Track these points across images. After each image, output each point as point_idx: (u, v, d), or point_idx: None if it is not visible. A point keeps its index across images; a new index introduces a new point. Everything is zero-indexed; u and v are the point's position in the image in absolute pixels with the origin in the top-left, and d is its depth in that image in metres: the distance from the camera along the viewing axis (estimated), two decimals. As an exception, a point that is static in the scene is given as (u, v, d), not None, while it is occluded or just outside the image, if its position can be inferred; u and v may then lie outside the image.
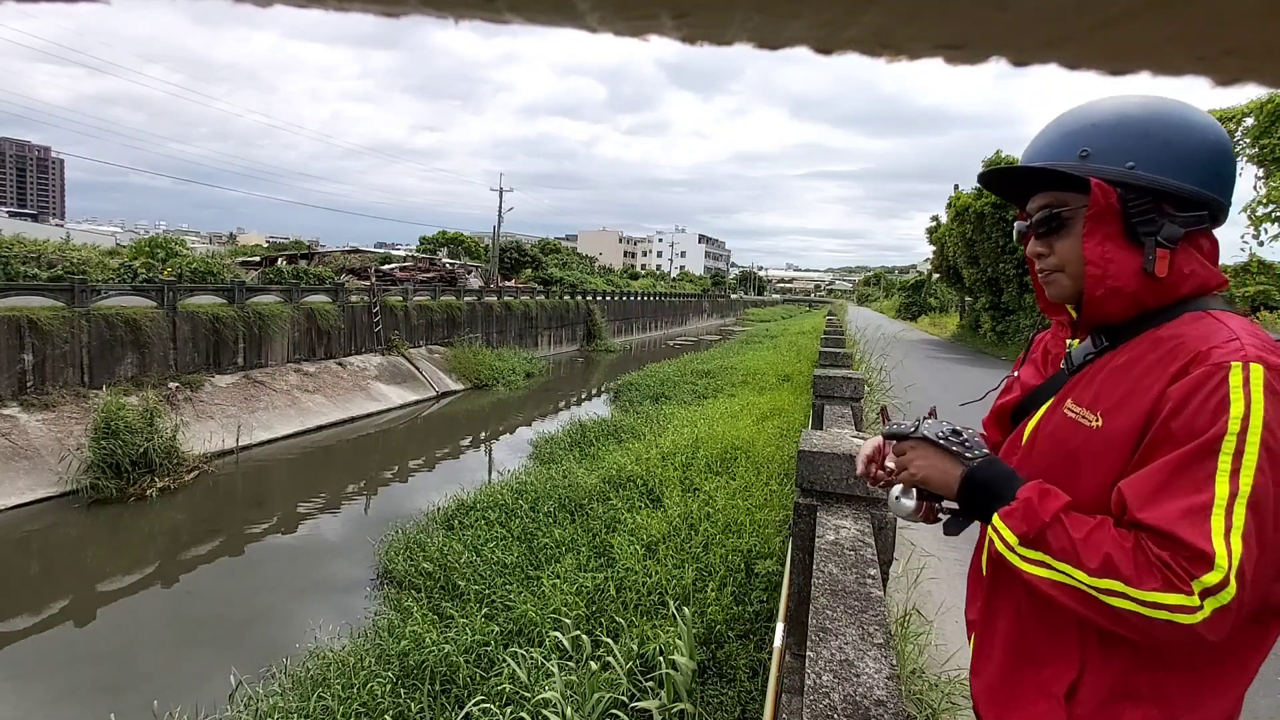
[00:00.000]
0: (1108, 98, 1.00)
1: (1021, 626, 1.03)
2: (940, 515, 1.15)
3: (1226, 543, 0.79)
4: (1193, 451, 0.84)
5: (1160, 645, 0.86)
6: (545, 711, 3.73)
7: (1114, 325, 1.01)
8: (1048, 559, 0.89)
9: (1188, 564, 0.80)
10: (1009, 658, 1.04)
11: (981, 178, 1.15)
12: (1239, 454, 0.81)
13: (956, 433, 1.08)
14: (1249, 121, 11.90)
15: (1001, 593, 1.08)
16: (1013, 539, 0.92)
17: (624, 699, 3.80)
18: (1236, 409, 0.82)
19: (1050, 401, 1.07)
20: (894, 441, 1.15)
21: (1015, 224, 1.12)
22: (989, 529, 0.97)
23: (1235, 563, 0.78)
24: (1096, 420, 0.96)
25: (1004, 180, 1.12)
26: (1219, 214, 0.96)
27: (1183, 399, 0.87)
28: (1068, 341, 1.12)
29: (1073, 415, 1.00)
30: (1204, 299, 0.96)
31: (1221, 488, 0.81)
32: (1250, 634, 0.89)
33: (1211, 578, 0.79)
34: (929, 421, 1.11)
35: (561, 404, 18.71)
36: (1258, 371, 0.84)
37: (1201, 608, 0.79)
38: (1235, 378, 0.84)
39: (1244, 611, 0.80)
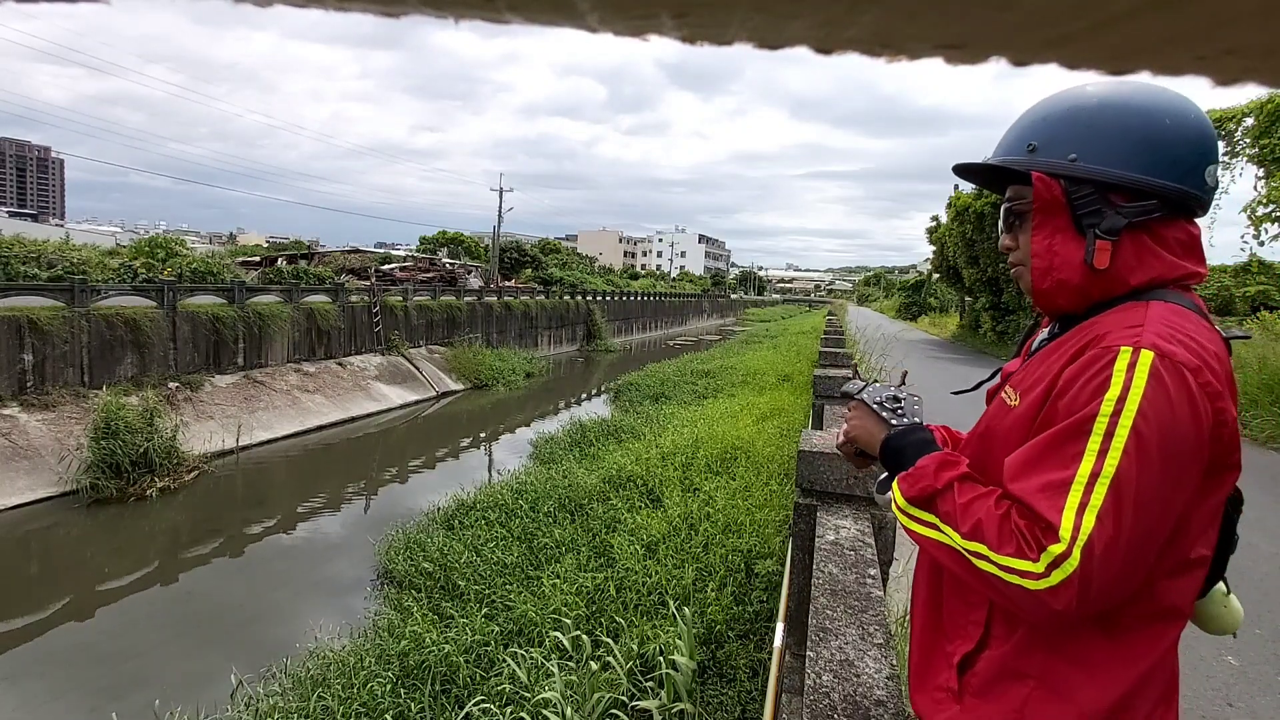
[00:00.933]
0: (1073, 87, 0.99)
1: (938, 601, 1.07)
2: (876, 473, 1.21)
3: (1078, 517, 0.81)
4: (1065, 429, 0.86)
5: (1023, 615, 0.88)
6: (545, 711, 3.73)
7: (1069, 316, 1.02)
8: (935, 520, 0.94)
9: (1041, 534, 0.83)
10: (924, 634, 1.08)
11: (956, 170, 1.17)
12: (1109, 435, 0.82)
13: (895, 399, 1.13)
14: (1249, 121, 11.89)
15: (924, 571, 1.13)
16: (902, 500, 0.98)
17: (624, 699, 3.81)
18: (1114, 391, 0.83)
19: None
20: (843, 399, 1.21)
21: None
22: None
23: (1083, 537, 0.80)
24: (1015, 401, 1.00)
25: (979, 175, 1.14)
26: (1186, 203, 0.93)
27: (1071, 379, 0.89)
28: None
29: (1004, 397, 1.04)
30: (1159, 290, 0.93)
31: (1085, 466, 0.82)
32: (1144, 631, 0.89)
33: (1056, 548, 0.81)
34: (875, 385, 1.16)
35: (561, 404, 18.71)
36: (1146, 357, 0.83)
37: (1048, 575, 0.81)
38: (1121, 361, 0.84)
39: (1100, 589, 0.81)
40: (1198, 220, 0.98)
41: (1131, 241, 0.93)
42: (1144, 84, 0.95)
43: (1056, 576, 0.81)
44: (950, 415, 1.36)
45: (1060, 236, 0.96)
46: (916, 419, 1.10)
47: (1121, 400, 0.82)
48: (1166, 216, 0.93)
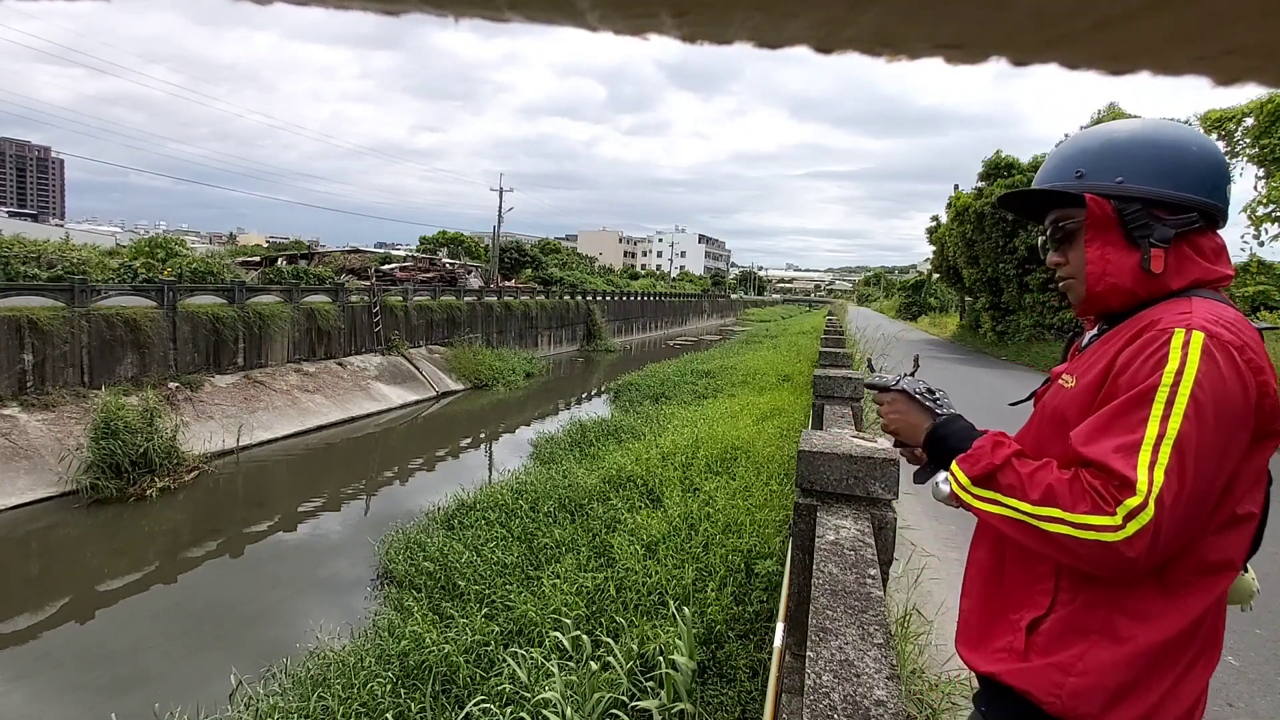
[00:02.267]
0: (1098, 126, 1.17)
1: (999, 574, 1.17)
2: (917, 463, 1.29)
3: (1150, 473, 0.91)
4: (1131, 399, 0.97)
5: (1094, 569, 0.97)
6: (545, 711, 3.73)
7: (1115, 313, 1.14)
8: (998, 496, 1.04)
9: (1116, 490, 0.93)
10: (985, 603, 1.18)
11: (999, 201, 1.31)
12: (1170, 403, 0.93)
13: (930, 391, 1.22)
14: (1249, 121, 11.89)
15: (984, 546, 1.23)
16: (966, 480, 1.08)
17: (624, 699, 3.80)
18: (1173, 364, 0.95)
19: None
20: (875, 391, 1.28)
21: (1039, 240, 1.27)
22: (951, 477, 1.12)
23: (1156, 490, 0.91)
24: (1072, 383, 1.12)
25: (1019, 203, 1.28)
26: (1214, 216, 1.08)
27: (1130, 358, 1.01)
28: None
29: (1061, 383, 1.16)
30: (1197, 290, 1.06)
31: (1151, 429, 0.93)
32: (1195, 585, 0.99)
33: (1133, 501, 0.91)
34: (908, 377, 1.25)
35: (561, 404, 18.71)
36: (1198, 337, 0.95)
37: (1124, 527, 0.91)
38: (1177, 340, 0.96)
39: (1167, 538, 0.91)
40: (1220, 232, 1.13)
41: (1176, 251, 1.07)
42: (1165, 121, 1.14)
43: (1132, 527, 0.91)
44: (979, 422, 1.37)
45: (1112, 248, 1.10)
46: (953, 409, 1.22)
47: (1179, 373, 0.94)
48: (1204, 228, 1.08)
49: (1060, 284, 1.20)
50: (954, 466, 1.10)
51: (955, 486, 1.10)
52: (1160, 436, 0.92)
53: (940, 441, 1.17)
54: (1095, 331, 1.20)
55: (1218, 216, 1.09)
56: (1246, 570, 1.10)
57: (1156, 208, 1.07)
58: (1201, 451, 0.91)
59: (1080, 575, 1.03)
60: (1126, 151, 1.09)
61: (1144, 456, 0.92)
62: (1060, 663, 1.04)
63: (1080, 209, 1.11)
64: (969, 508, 1.08)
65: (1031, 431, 1.19)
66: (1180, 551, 0.97)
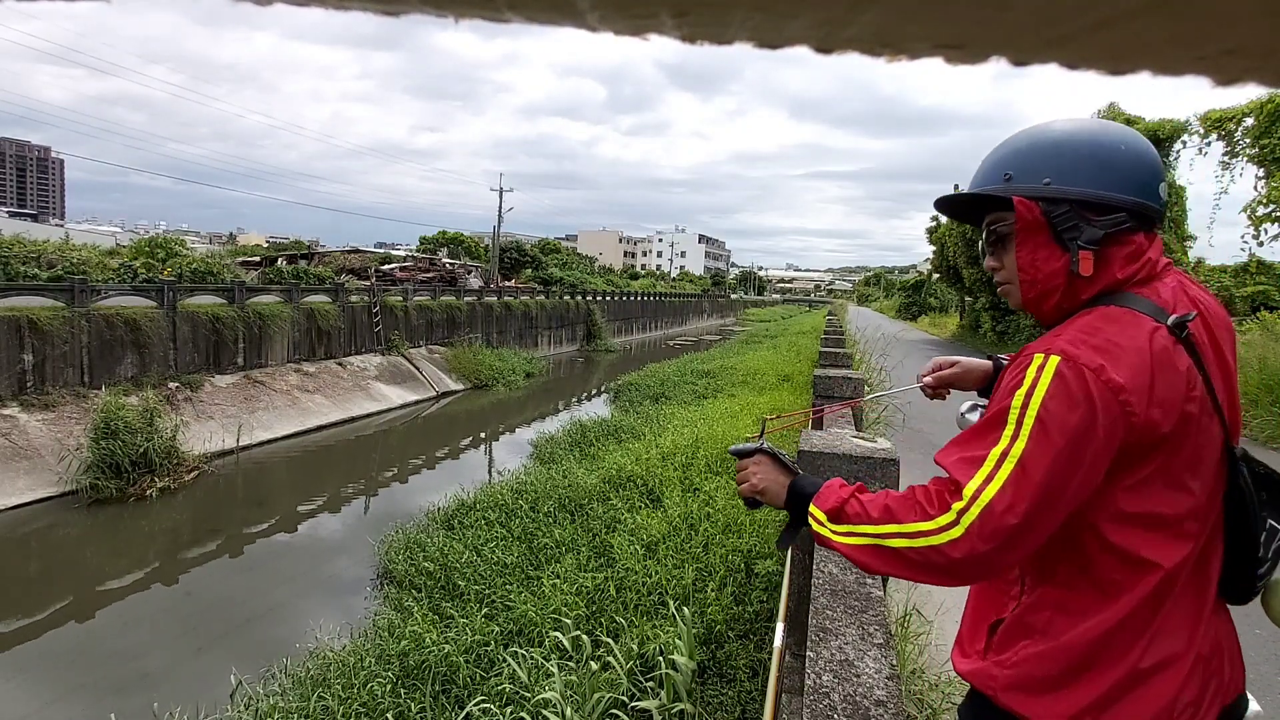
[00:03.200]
0: (1028, 127, 1.16)
1: (980, 587, 1.22)
2: None
3: (984, 483, 0.97)
4: (989, 419, 1.02)
5: (928, 575, 1.01)
6: (545, 711, 3.73)
7: (1054, 323, 1.14)
8: (850, 527, 1.08)
9: (949, 495, 0.99)
10: (973, 612, 1.21)
11: (936, 204, 1.30)
12: (1019, 423, 0.97)
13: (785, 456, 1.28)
14: (1249, 121, 11.89)
15: None
16: (823, 517, 1.11)
17: (624, 699, 3.80)
18: (1024, 388, 0.99)
19: None
20: (741, 458, 1.33)
21: (979, 244, 1.27)
22: (810, 519, 1.15)
23: (986, 497, 0.95)
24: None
25: (957, 208, 1.27)
26: (1146, 215, 1.07)
27: (1000, 383, 1.06)
28: None
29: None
30: (1120, 294, 1.07)
31: (998, 449, 0.98)
32: (1121, 582, 1.02)
33: (958, 505, 0.97)
34: (766, 444, 1.30)
35: (561, 404, 18.71)
36: (1053, 361, 0.98)
37: (948, 530, 0.97)
38: (1034, 364, 1.00)
39: (996, 544, 0.95)
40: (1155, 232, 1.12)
41: (1104, 252, 1.07)
42: (1096, 120, 1.14)
43: (956, 531, 0.96)
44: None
45: (1043, 251, 1.09)
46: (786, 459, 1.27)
47: (1029, 395, 0.98)
48: (1133, 228, 1.07)
49: (999, 289, 1.21)
50: (811, 508, 1.14)
51: (815, 525, 1.13)
52: (1004, 454, 0.97)
53: (800, 494, 1.20)
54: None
55: (1152, 216, 1.08)
56: None
57: (1085, 209, 1.06)
58: (1046, 468, 0.95)
59: (1036, 578, 1.08)
60: (1054, 152, 1.08)
61: (984, 469, 0.97)
62: (1002, 659, 1.09)
63: (1012, 212, 1.11)
64: (832, 545, 1.10)
65: None
66: (1100, 550, 1.01)
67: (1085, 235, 1.05)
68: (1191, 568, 1.03)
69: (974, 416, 1.35)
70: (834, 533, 1.09)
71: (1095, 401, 0.95)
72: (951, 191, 1.26)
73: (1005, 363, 1.30)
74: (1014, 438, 0.97)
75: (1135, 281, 1.07)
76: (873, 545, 1.04)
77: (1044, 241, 1.08)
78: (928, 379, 1.55)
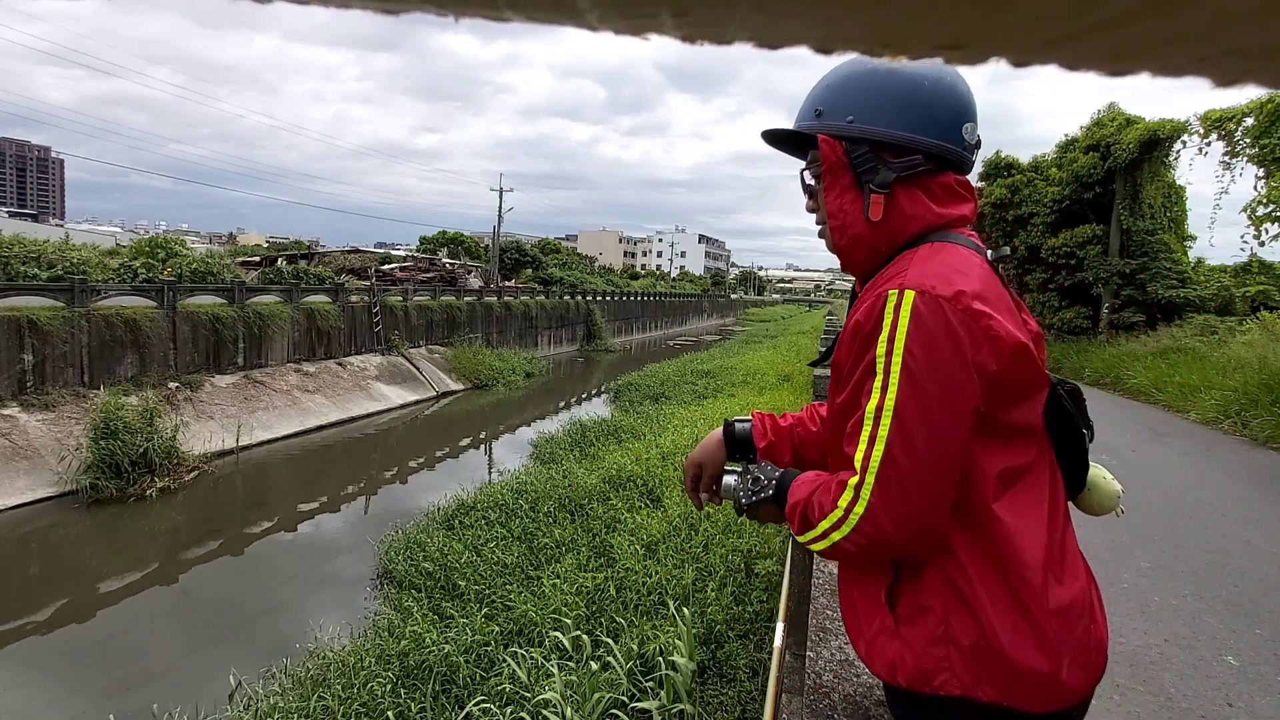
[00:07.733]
0: (855, 58, 1.03)
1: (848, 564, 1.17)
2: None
3: (868, 450, 0.92)
4: (858, 377, 0.96)
5: (863, 553, 0.95)
6: (545, 712, 3.73)
7: (868, 274, 1.07)
8: (811, 534, 1.01)
9: (847, 476, 0.95)
10: (849, 593, 1.11)
11: (763, 137, 1.19)
12: (887, 372, 0.91)
13: (754, 479, 1.19)
14: (1249, 121, 11.89)
15: None
16: (801, 540, 1.05)
17: (624, 699, 3.80)
18: (884, 333, 0.92)
19: None
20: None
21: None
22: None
23: (874, 465, 0.91)
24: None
25: (780, 143, 1.17)
26: (950, 157, 1.00)
27: (854, 326, 0.98)
28: None
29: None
30: (932, 235, 1.00)
31: (871, 403, 0.92)
32: (977, 535, 0.96)
33: (854, 480, 0.93)
34: (729, 482, 1.22)
35: (561, 404, 18.71)
36: (908, 296, 0.91)
37: (853, 509, 0.92)
38: (889, 304, 0.93)
39: (908, 505, 0.90)
40: (966, 174, 1.05)
41: (906, 195, 1.00)
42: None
43: (859, 508, 0.92)
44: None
45: (849, 195, 1.02)
46: (763, 479, 1.14)
47: (891, 340, 0.91)
48: (934, 170, 1.00)
49: (818, 234, 1.13)
50: (792, 539, 1.11)
51: (803, 541, 1.08)
52: (879, 409, 0.91)
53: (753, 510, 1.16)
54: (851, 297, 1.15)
55: (957, 160, 1.01)
56: (1107, 476, 1.10)
57: (884, 149, 0.99)
58: (924, 417, 0.89)
59: None
60: (860, 87, 1.01)
61: (865, 435, 0.92)
62: (929, 620, 1.04)
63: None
64: (823, 555, 1.05)
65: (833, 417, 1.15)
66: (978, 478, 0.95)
67: (878, 178, 0.99)
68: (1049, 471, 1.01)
69: (731, 480, 1.23)
70: (810, 542, 1.04)
71: (959, 332, 0.90)
72: (774, 129, 1.16)
73: (737, 429, 1.25)
74: (884, 389, 0.91)
75: (951, 224, 1.02)
76: (828, 546, 0.98)
77: (848, 184, 1.02)
78: (703, 496, 1.33)
